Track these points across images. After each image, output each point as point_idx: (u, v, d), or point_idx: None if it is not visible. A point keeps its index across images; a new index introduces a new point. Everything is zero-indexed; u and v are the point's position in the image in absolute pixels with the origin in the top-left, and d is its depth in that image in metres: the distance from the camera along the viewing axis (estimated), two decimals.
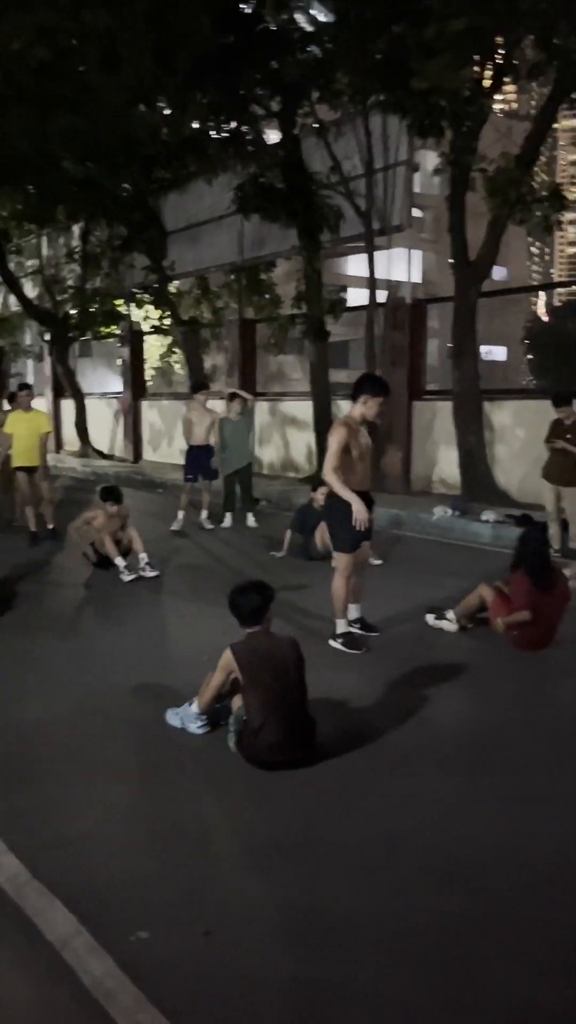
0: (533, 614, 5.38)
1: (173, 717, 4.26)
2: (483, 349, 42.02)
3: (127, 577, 7.48)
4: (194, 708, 4.13)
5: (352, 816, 3.44)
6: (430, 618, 5.99)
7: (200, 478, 10.43)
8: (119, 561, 7.59)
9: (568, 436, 8.19)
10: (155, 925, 2.71)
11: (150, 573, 7.62)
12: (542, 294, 66.63)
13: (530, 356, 44.05)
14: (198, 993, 2.43)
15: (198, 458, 10.43)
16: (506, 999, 2.40)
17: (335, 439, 5.37)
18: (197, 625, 6.11)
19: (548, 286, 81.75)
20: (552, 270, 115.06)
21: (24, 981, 2.49)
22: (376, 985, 2.46)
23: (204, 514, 10.36)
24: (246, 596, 4.05)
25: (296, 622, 6.00)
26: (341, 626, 5.61)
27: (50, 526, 9.43)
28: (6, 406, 10.12)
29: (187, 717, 4.18)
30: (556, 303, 54.01)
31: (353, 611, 5.81)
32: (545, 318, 51.53)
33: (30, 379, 27.88)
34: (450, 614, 5.92)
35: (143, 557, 7.68)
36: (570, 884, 2.98)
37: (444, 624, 5.90)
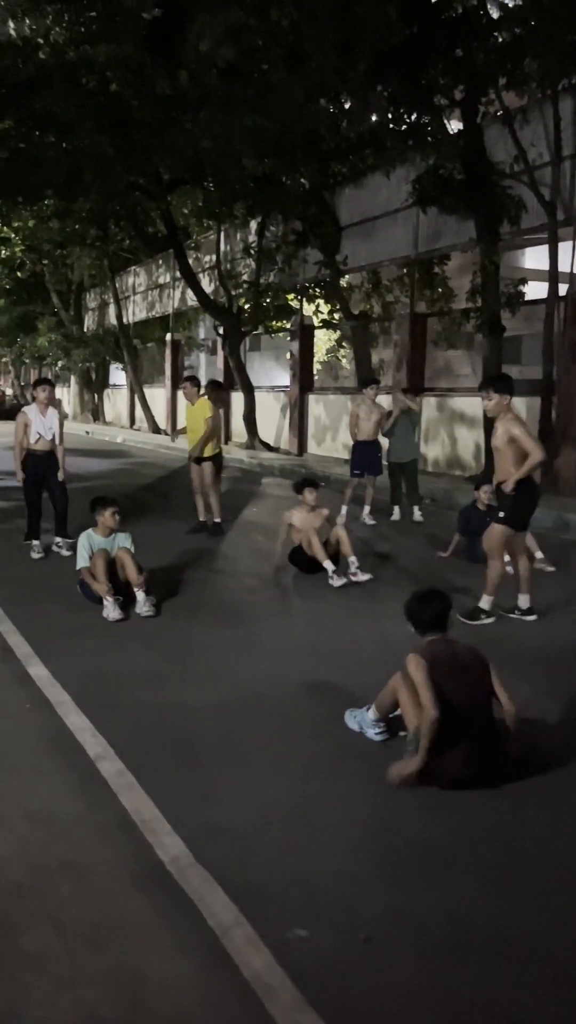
0: None
1: (351, 720, 4.16)
2: None
3: (337, 583, 6.91)
4: (371, 715, 4.02)
5: (526, 834, 3.27)
6: None
7: (366, 474, 10.39)
8: (328, 564, 6.99)
9: None
10: (313, 924, 2.68)
11: (362, 577, 7.04)
12: None
13: None
14: (357, 1000, 2.37)
15: (365, 453, 10.39)
16: None
17: None
18: (366, 623, 6.07)
19: None
20: None
21: (187, 966, 2.50)
22: (544, 1015, 2.31)
23: (366, 510, 10.30)
24: (426, 603, 3.87)
25: (461, 627, 5.81)
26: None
27: (217, 519, 9.46)
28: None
29: (365, 722, 4.06)
30: None
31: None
32: None
33: (202, 372, 28.94)
34: None
35: (353, 561, 7.11)
36: None
37: None
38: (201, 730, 4.19)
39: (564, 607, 6.47)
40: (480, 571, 7.63)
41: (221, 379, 21.58)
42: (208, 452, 9.48)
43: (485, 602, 6.02)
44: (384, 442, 10.50)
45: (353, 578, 7.05)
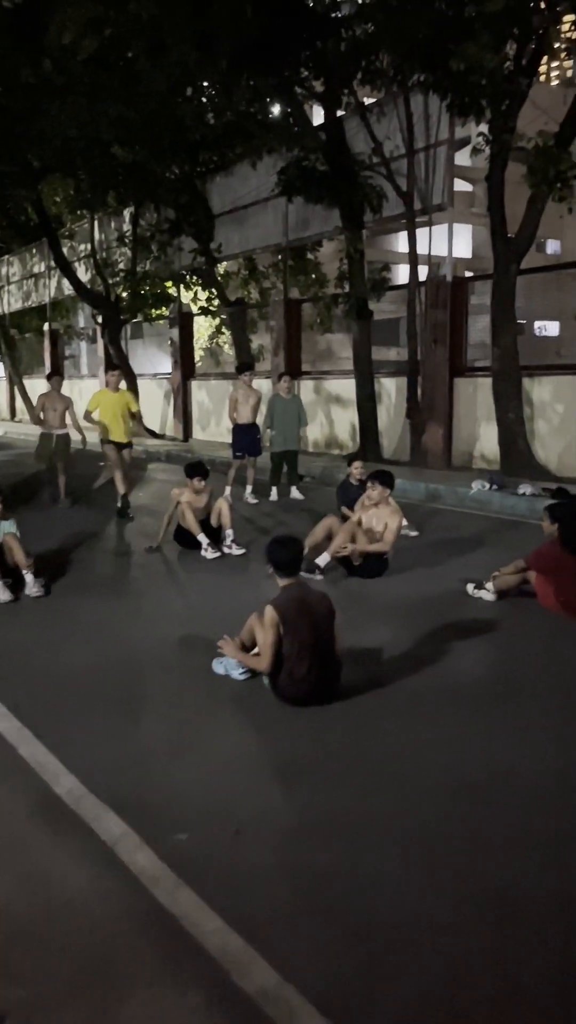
0: (567, 585, 5.65)
1: (218, 665, 4.71)
2: (536, 324, 41.21)
3: (210, 555, 7.38)
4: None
5: (368, 742, 3.88)
6: (469, 588, 6.28)
7: (246, 455, 10.88)
8: (201, 538, 7.47)
9: None
10: (192, 828, 3.16)
11: (236, 551, 7.54)
12: None
13: None
14: (228, 879, 2.86)
15: (244, 436, 10.87)
16: (491, 883, 2.80)
17: None
18: (244, 587, 6.55)
19: None
20: None
21: (82, 870, 2.93)
22: (382, 872, 2.88)
23: (249, 489, 10.80)
24: (286, 547, 4.48)
25: (340, 585, 6.42)
26: None
27: (118, 504, 9.75)
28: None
29: (229, 665, 4.63)
30: None
31: None
32: None
33: (84, 361, 28.69)
34: (488, 584, 6.16)
35: (229, 534, 7.65)
36: (550, 796, 3.39)
37: (483, 594, 6.16)
38: (90, 687, 4.59)
39: (419, 567, 7.15)
40: None
41: (103, 368, 21.60)
42: (122, 438, 9.97)
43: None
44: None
45: (227, 550, 7.59)
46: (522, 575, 6.06)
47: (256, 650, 4.45)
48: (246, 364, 11.76)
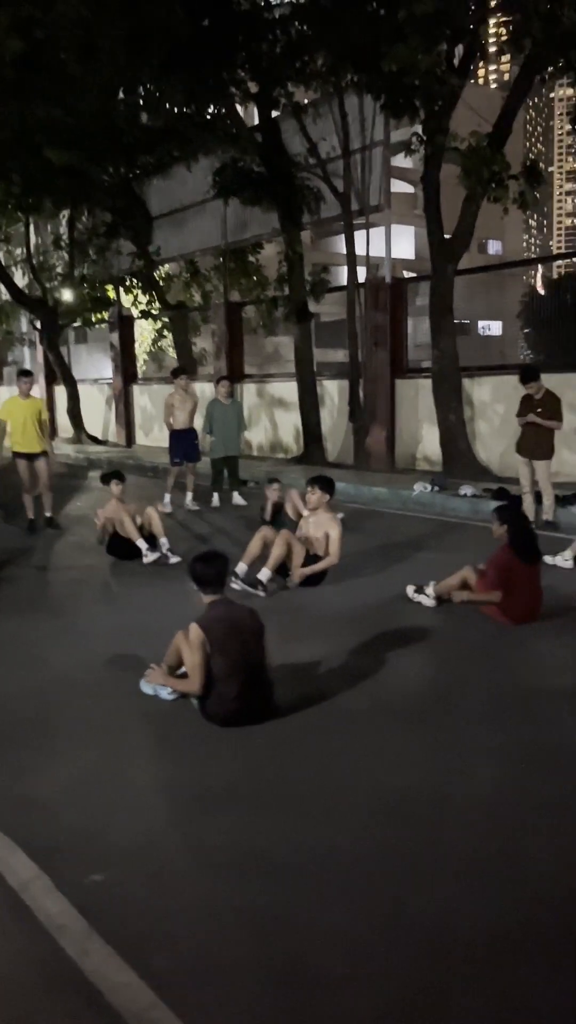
0: (512, 589, 5.55)
1: (146, 686, 4.53)
2: (480, 324, 41.65)
3: (149, 558, 7.40)
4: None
5: (301, 766, 3.74)
6: (410, 590, 6.19)
7: (185, 461, 10.68)
8: (140, 543, 7.46)
9: (538, 410, 8.38)
10: (110, 869, 2.98)
11: (173, 559, 7.45)
12: (540, 266, 65.68)
13: (526, 330, 43.98)
14: (146, 924, 2.68)
15: (182, 441, 10.68)
16: (426, 917, 2.68)
17: None
18: (179, 600, 6.36)
19: (526, 262, 78.59)
20: (551, 242, 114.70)
21: None
22: (311, 910, 2.73)
23: (189, 496, 10.60)
24: (210, 564, 4.30)
25: (276, 595, 6.28)
26: None
27: (47, 514, 9.45)
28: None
29: (158, 685, 4.46)
30: (555, 275, 53.60)
31: None
32: (542, 291, 51.33)
33: (27, 367, 28.09)
34: (429, 589, 6.07)
35: (164, 542, 7.59)
36: (482, 814, 3.32)
37: (422, 599, 6.08)
38: (13, 715, 4.37)
39: (359, 572, 7.06)
40: None
41: (43, 373, 21.20)
42: (32, 448, 9.31)
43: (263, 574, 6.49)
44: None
45: (164, 559, 7.45)
46: (463, 580, 5.97)
47: (183, 669, 4.29)
48: (181, 368, 11.58)
